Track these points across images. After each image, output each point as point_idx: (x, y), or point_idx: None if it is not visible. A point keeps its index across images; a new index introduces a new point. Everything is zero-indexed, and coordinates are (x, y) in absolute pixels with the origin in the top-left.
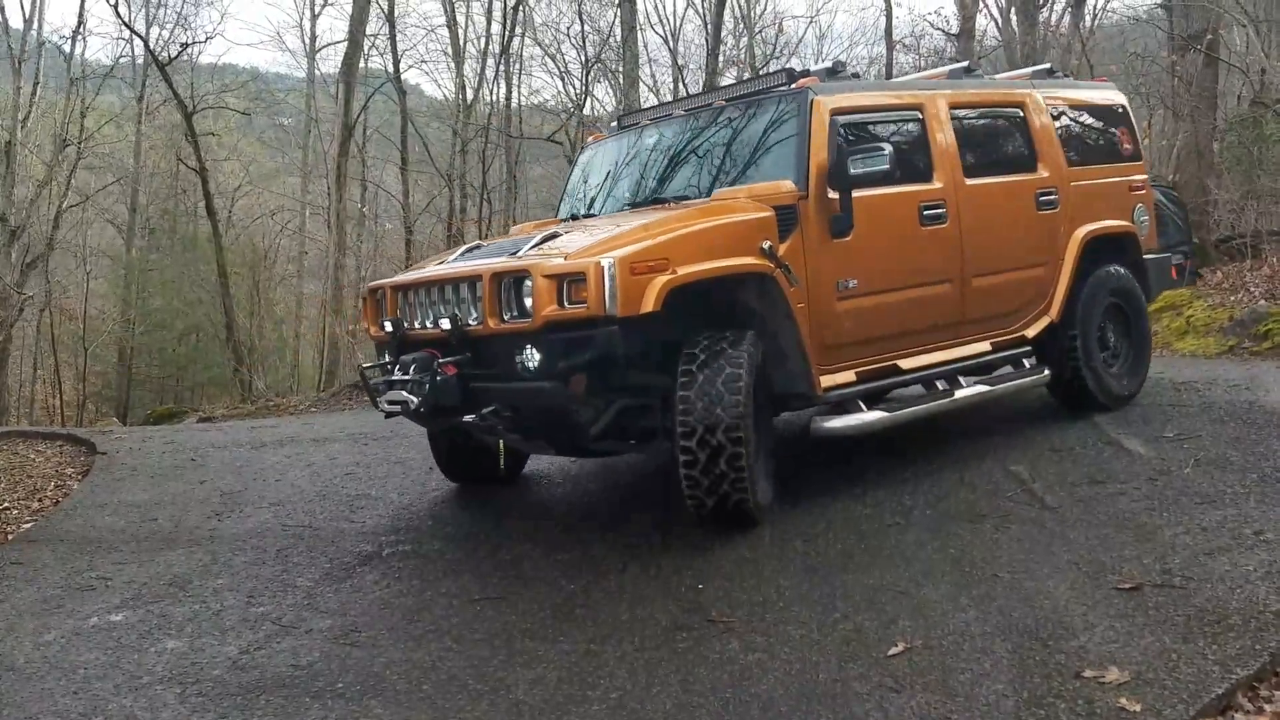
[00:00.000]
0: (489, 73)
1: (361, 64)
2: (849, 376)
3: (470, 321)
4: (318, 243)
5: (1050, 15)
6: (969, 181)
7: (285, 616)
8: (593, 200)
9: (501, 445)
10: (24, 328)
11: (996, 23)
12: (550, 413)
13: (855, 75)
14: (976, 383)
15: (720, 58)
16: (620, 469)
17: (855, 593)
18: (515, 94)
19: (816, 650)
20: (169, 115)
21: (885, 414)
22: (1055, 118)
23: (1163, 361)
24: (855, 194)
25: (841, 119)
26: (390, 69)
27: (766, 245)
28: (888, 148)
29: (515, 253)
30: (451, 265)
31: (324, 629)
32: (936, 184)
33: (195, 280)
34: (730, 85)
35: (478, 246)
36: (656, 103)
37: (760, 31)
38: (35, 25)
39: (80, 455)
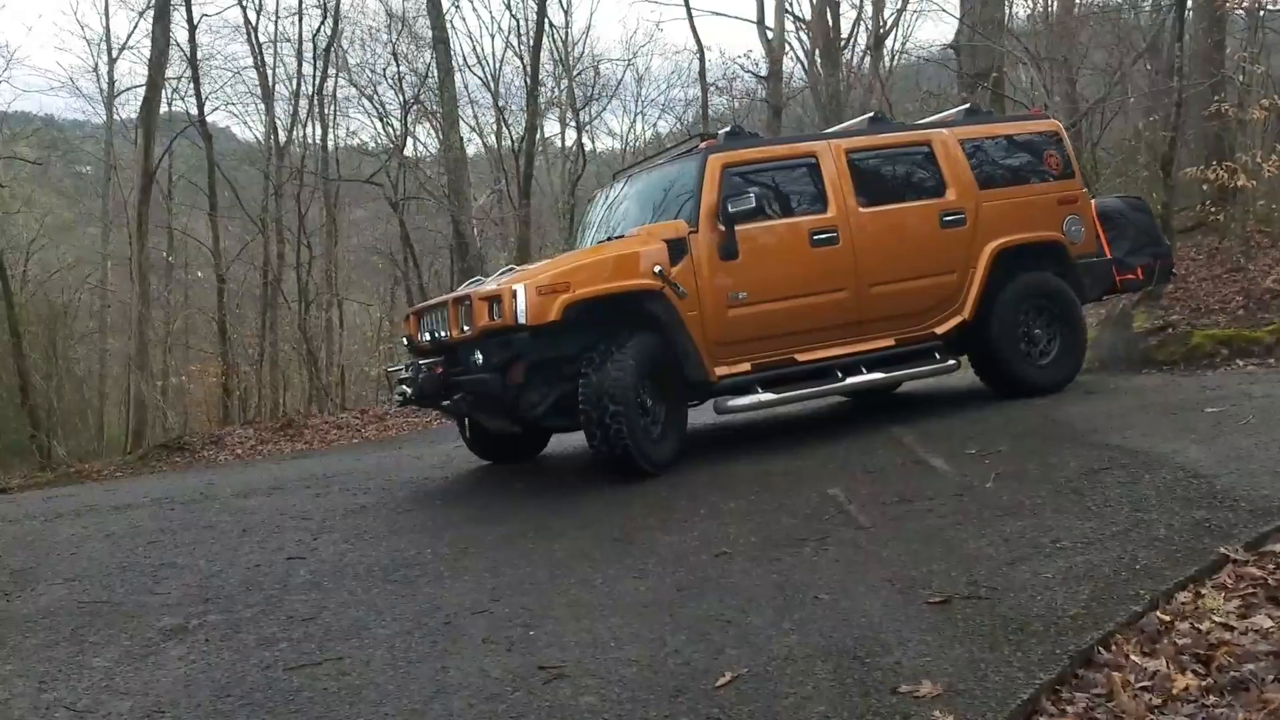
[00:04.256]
0: (302, 114)
1: (164, 108)
2: (745, 367)
3: (443, 334)
4: (121, 295)
5: (852, 58)
6: (864, 209)
7: (80, 701)
8: (580, 238)
9: (466, 421)
10: None
11: (803, 65)
12: (495, 397)
13: (754, 135)
14: (875, 372)
15: (540, 99)
16: (455, 518)
17: (685, 626)
18: (331, 135)
19: (647, 689)
20: None
21: (774, 395)
22: (970, 150)
23: (967, 378)
24: (746, 226)
25: (733, 170)
26: (194, 112)
27: (657, 269)
28: (754, 191)
29: (480, 284)
30: (437, 298)
31: (123, 712)
32: (829, 213)
33: None
34: (668, 149)
35: (478, 281)
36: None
37: (579, 74)
38: None
39: None
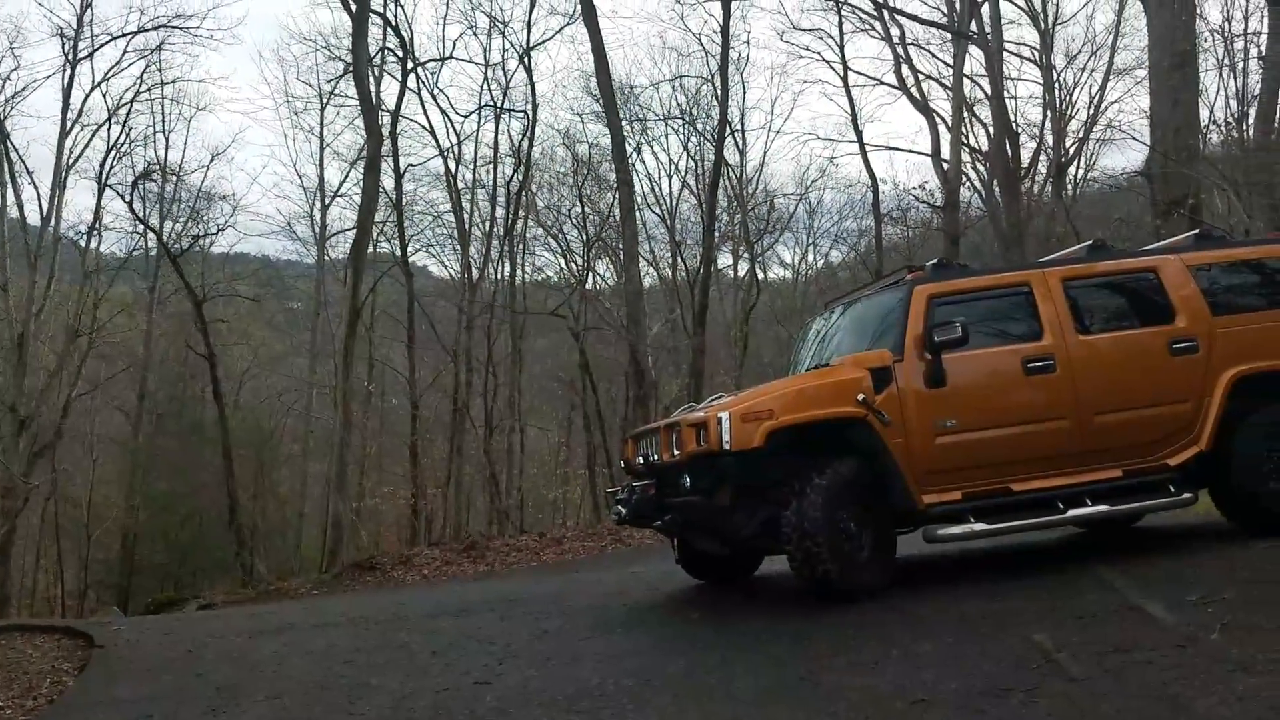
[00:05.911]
0: (494, 253)
1: (370, 249)
2: (955, 495)
3: (655, 457)
4: (324, 422)
5: (1033, 185)
6: (1083, 337)
7: None
8: (794, 365)
9: (675, 540)
10: (28, 516)
11: (980, 194)
12: (703, 518)
13: (964, 266)
14: (1100, 504)
15: (716, 234)
16: (636, 647)
17: None
18: (519, 272)
19: None
20: (180, 304)
21: (986, 525)
22: (1202, 276)
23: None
24: (954, 354)
25: (940, 299)
26: (398, 253)
27: (861, 397)
28: (960, 320)
29: (692, 410)
30: (652, 424)
31: None
32: (1045, 340)
33: (200, 464)
34: (871, 284)
35: (690, 407)
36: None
37: (753, 209)
38: (53, 221)
39: (78, 649)
